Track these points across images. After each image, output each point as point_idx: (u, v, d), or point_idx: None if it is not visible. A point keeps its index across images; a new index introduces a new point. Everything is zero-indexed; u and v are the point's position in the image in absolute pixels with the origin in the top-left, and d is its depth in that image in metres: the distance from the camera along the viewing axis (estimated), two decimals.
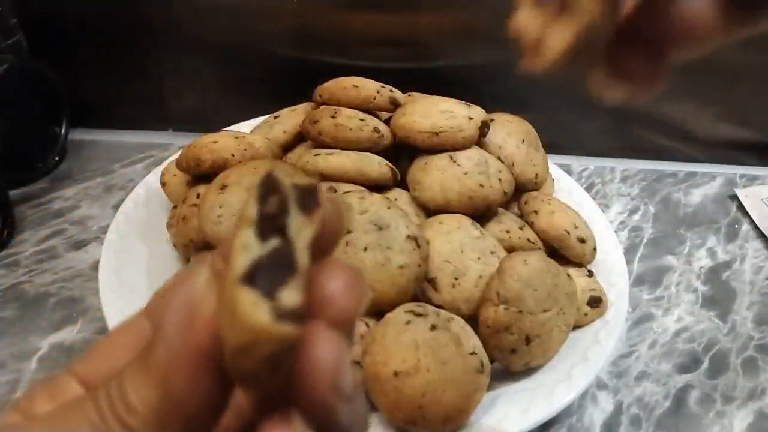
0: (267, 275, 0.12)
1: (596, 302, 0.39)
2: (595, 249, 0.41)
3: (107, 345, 0.16)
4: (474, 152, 0.41)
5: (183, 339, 0.13)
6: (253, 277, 0.12)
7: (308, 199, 0.13)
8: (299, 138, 0.45)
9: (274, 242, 0.12)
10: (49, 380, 0.15)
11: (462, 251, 0.37)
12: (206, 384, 0.13)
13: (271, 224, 0.12)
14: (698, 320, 0.44)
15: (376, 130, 0.41)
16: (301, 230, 0.13)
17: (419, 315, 0.33)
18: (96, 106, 0.60)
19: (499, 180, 0.40)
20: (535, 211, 0.41)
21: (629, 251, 0.50)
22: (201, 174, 0.40)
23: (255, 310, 0.11)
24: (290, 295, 0.12)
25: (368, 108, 0.43)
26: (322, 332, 0.12)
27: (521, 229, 0.40)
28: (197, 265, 0.14)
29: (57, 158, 0.54)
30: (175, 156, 0.44)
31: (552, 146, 0.49)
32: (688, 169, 0.59)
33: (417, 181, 0.40)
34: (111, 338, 0.16)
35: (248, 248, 0.12)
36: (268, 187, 0.13)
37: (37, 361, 0.39)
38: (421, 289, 0.36)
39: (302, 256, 0.12)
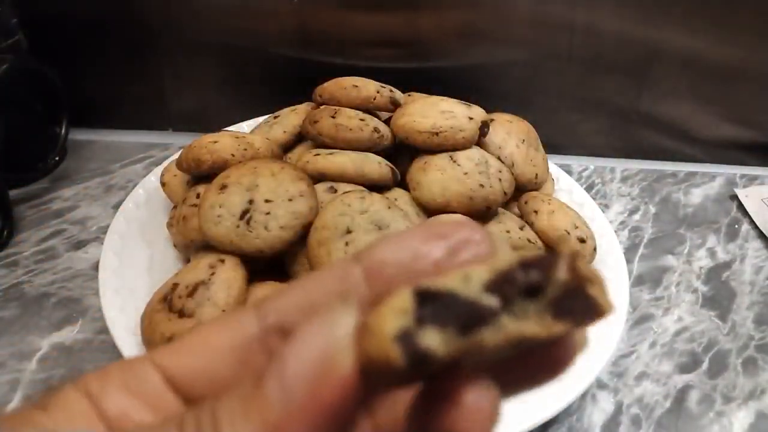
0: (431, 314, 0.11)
1: None
2: (595, 249, 0.41)
3: (201, 339, 0.14)
4: (474, 152, 0.41)
5: (308, 394, 0.11)
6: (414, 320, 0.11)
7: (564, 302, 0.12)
8: (299, 138, 0.45)
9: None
10: (128, 364, 0.14)
11: None
12: None
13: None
14: (698, 320, 0.44)
15: (376, 130, 0.41)
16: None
17: None
18: (96, 106, 0.60)
19: (499, 180, 0.40)
20: (535, 211, 0.41)
21: (629, 251, 0.50)
22: (201, 174, 0.40)
23: (389, 322, 0.11)
24: (435, 339, 0.11)
25: (368, 108, 0.43)
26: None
27: (521, 229, 0.40)
28: (343, 307, 0.12)
29: (57, 158, 0.54)
30: (175, 156, 0.44)
31: (552, 146, 0.49)
32: (688, 169, 0.59)
33: (417, 181, 0.40)
34: (206, 332, 0.14)
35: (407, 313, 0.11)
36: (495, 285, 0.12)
37: (37, 361, 0.39)
38: None
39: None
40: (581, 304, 0.12)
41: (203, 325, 0.14)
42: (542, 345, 0.12)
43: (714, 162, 0.60)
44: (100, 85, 0.59)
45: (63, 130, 0.54)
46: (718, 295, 0.46)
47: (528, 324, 0.11)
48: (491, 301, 0.11)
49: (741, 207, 0.54)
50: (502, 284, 0.11)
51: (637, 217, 0.54)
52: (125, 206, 0.44)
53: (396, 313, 0.11)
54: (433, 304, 0.11)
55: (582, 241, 0.40)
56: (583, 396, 0.39)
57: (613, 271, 0.41)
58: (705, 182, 0.58)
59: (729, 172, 0.59)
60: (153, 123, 0.60)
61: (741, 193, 0.55)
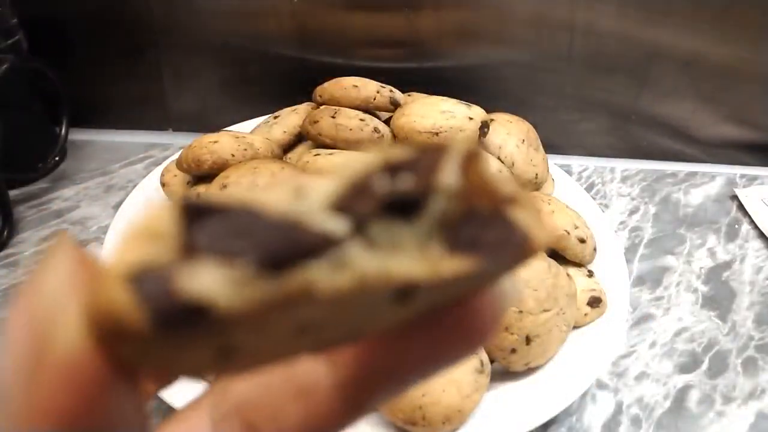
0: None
1: (596, 302, 0.39)
2: (595, 249, 0.41)
3: None
4: None
5: (28, 394, 0.07)
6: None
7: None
8: (299, 138, 0.45)
9: None
10: None
11: None
12: None
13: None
14: (698, 320, 0.44)
15: (376, 130, 0.41)
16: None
17: None
18: (96, 106, 0.60)
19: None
20: None
21: (629, 251, 0.50)
22: (201, 174, 0.40)
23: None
24: (211, 280, 0.07)
25: (368, 108, 0.43)
26: None
27: None
28: (54, 251, 0.08)
29: (57, 158, 0.54)
30: (175, 156, 0.44)
31: (552, 146, 0.49)
32: (688, 169, 0.59)
33: None
34: None
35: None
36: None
37: None
38: None
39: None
40: (495, 232, 0.08)
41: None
42: (447, 300, 0.09)
43: (714, 162, 0.60)
44: (100, 85, 0.59)
45: (63, 130, 0.54)
46: (718, 295, 0.46)
47: (399, 258, 0.07)
48: (333, 224, 0.07)
49: (741, 207, 0.54)
50: (354, 199, 0.07)
51: (637, 217, 0.53)
52: (125, 206, 0.44)
53: (143, 240, 0.07)
54: (218, 225, 0.07)
55: (582, 241, 0.40)
56: (583, 396, 0.39)
57: (613, 271, 0.41)
58: (705, 182, 0.58)
59: (729, 172, 0.59)
60: (153, 123, 0.60)
61: (741, 193, 0.55)
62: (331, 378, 0.11)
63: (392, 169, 0.07)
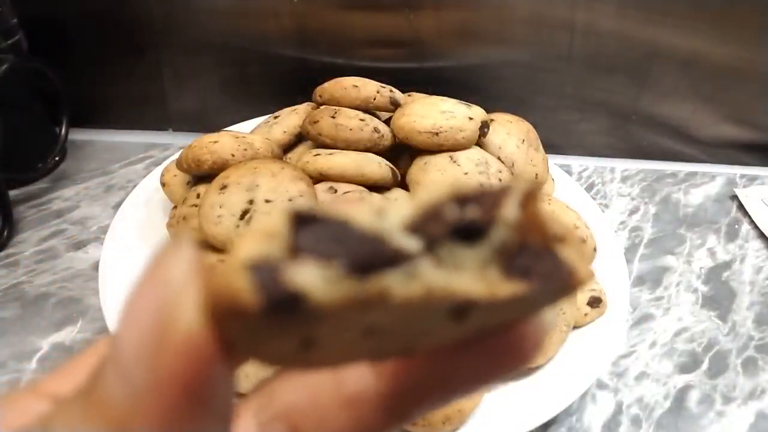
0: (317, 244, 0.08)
1: (596, 302, 0.39)
2: (595, 249, 0.41)
3: (87, 357, 0.12)
4: (474, 152, 0.41)
5: (150, 368, 0.08)
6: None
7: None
8: (299, 138, 0.45)
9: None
10: (10, 397, 0.12)
11: None
12: (195, 428, 0.09)
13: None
14: (698, 320, 0.44)
15: (376, 130, 0.41)
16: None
17: None
18: (96, 106, 0.60)
19: (500, 180, 0.40)
20: None
21: (629, 251, 0.50)
22: (201, 174, 0.40)
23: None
24: (312, 275, 0.08)
25: (368, 108, 0.43)
26: None
27: None
28: (174, 247, 0.09)
29: (57, 158, 0.54)
30: (175, 156, 0.44)
31: (552, 146, 0.49)
32: (688, 169, 0.59)
33: (417, 182, 0.40)
34: (93, 350, 0.13)
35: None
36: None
37: (37, 361, 0.39)
38: None
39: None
40: (545, 264, 0.09)
41: (87, 348, 0.12)
42: (496, 323, 0.10)
43: (714, 162, 0.60)
44: (100, 85, 0.59)
45: (63, 130, 0.54)
46: (718, 295, 0.46)
47: (461, 277, 0.08)
48: (408, 242, 0.08)
49: (741, 207, 0.54)
50: (427, 223, 0.08)
51: (637, 217, 0.54)
52: (125, 206, 0.44)
53: (260, 238, 0.08)
54: (318, 232, 0.08)
55: (582, 241, 0.40)
56: (583, 396, 0.39)
57: (613, 271, 0.41)
58: (705, 182, 0.58)
59: (729, 172, 0.59)
60: (153, 123, 0.60)
61: (741, 193, 0.55)
62: (378, 388, 0.11)
63: (462, 200, 0.09)
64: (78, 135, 0.57)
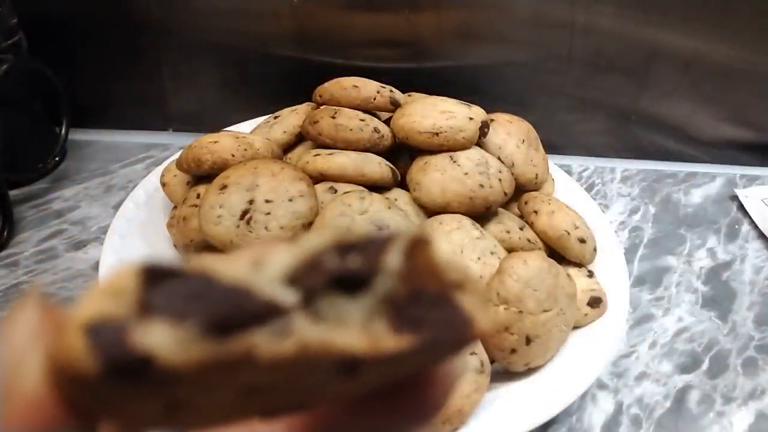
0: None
1: (596, 302, 0.39)
2: (595, 249, 0.41)
3: None
4: (474, 152, 0.41)
5: None
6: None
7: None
8: (299, 138, 0.45)
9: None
10: None
11: (462, 251, 0.37)
12: None
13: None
14: (698, 320, 0.44)
15: (376, 130, 0.41)
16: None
17: None
18: (96, 106, 0.60)
19: (500, 180, 0.40)
20: (535, 212, 0.41)
21: (629, 251, 0.50)
22: (201, 174, 0.40)
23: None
24: (162, 336, 0.07)
25: (368, 108, 0.43)
26: None
27: (521, 229, 0.40)
28: (23, 303, 0.09)
29: (57, 158, 0.54)
30: (175, 156, 0.44)
31: (552, 146, 0.49)
32: (688, 169, 0.59)
33: (417, 182, 0.40)
34: None
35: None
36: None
37: None
38: None
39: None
40: (439, 314, 0.08)
41: None
42: (396, 376, 0.09)
43: (714, 162, 0.60)
44: (100, 85, 0.59)
45: (63, 130, 0.54)
46: (718, 295, 0.46)
47: (342, 331, 0.08)
48: (284, 295, 0.08)
49: (741, 207, 0.54)
50: (306, 273, 0.08)
51: (637, 217, 0.54)
52: (125, 206, 0.44)
53: (104, 296, 0.07)
54: (173, 289, 0.07)
55: (582, 241, 0.40)
56: (583, 396, 0.39)
57: (613, 271, 0.41)
58: (705, 182, 0.58)
59: (729, 172, 0.59)
60: (153, 123, 0.60)
61: (741, 193, 0.55)
62: None
63: (345, 248, 0.08)
64: (78, 135, 0.57)
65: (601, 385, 0.40)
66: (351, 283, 0.08)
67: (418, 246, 0.08)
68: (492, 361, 0.34)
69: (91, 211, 0.50)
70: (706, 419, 0.38)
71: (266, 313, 0.07)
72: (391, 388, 0.10)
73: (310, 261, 0.08)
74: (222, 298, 0.07)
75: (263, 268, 0.08)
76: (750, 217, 0.53)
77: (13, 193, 0.50)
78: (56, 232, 0.48)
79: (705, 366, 0.41)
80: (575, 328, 0.38)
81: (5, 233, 0.47)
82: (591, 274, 0.41)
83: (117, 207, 0.45)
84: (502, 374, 0.35)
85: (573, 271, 0.40)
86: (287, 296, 0.08)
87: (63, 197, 0.52)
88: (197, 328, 0.07)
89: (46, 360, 0.08)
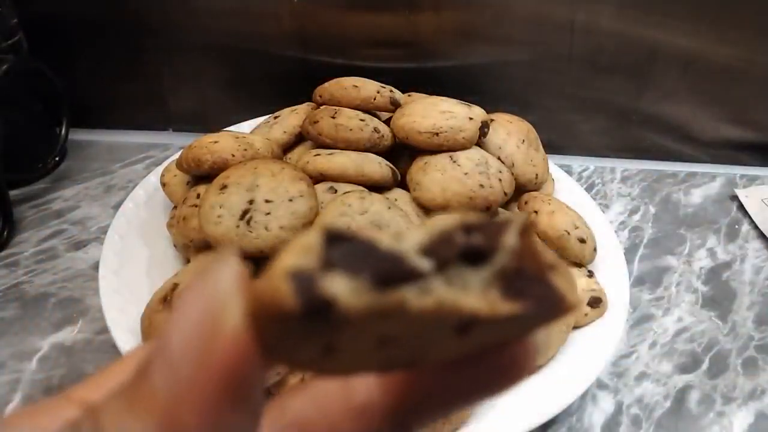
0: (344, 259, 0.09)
1: (596, 302, 0.39)
2: (595, 249, 0.41)
3: (117, 367, 0.13)
4: (474, 152, 0.41)
5: (197, 363, 0.09)
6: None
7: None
8: (299, 138, 0.45)
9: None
10: (43, 404, 0.12)
11: None
12: (233, 420, 0.09)
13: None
14: (698, 320, 0.44)
15: (376, 130, 0.41)
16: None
17: None
18: (96, 106, 0.60)
19: (500, 180, 0.40)
20: (535, 212, 0.41)
21: (629, 251, 0.50)
22: (201, 174, 0.40)
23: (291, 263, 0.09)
24: (342, 285, 0.09)
25: (368, 108, 0.43)
26: None
27: None
28: (221, 259, 0.10)
29: (57, 158, 0.54)
30: (175, 156, 0.44)
31: (552, 146, 0.49)
32: (688, 169, 0.59)
33: (417, 182, 0.40)
34: (123, 360, 0.13)
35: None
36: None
37: (37, 362, 0.39)
38: None
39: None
40: (539, 289, 0.10)
41: (124, 355, 0.13)
42: (494, 341, 0.11)
43: (714, 162, 0.60)
44: (100, 85, 0.59)
45: (63, 130, 0.54)
46: (718, 295, 0.46)
47: (467, 295, 0.10)
48: (422, 263, 0.09)
49: (741, 207, 0.54)
50: (438, 246, 0.10)
51: (637, 217, 0.53)
52: (125, 206, 0.44)
53: (298, 251, 0.09)
54: (347, 249, 0.09)
55: (582, 241, 0.40)
56: (583, 396, 0.39)
57: (613, 271, 0.41)
58: (705, 182, 0.58)
59: (729, 172, 0.59)
60: (153, 123, 0.60)
61: (741, 193, 0.55)
62: (384, 401, 0.12)
63: (469, 228, 0.10)
64: (78, 135, 0.57)
65: (601, 385, 0.40)
66: (475, 257, 0.10)
67: (526, 231, 0.10)
68: None
69: (91, 211, 0.50)
70: (706, 419, 0.38)
71: (413, 275, 0.09)
72: (483, 353, 0.11)
73: (442, 236, 0.10)
74: (384, 259, 0.09)
75: (404, 240, 0.10)
76: (750, 217, 0.53)
77: (13, 193, 0.50)
78: (56, 232, 0.48)
79: (705, 366, 0.41)
80: (575, 328, 0.38)
81: (5, 233, 0.47)
82: (591, 274, 0.41)
83: (117, 207, 0.45)
84: None
85: (573, 271, 0.40)
86: (426, 263, 0.09)
87: (63, 197, 0.52)
88: (367, 281, 0.09)
89: (249, 302, 0.09)
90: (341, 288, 0.09)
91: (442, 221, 0.10)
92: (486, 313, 0.09)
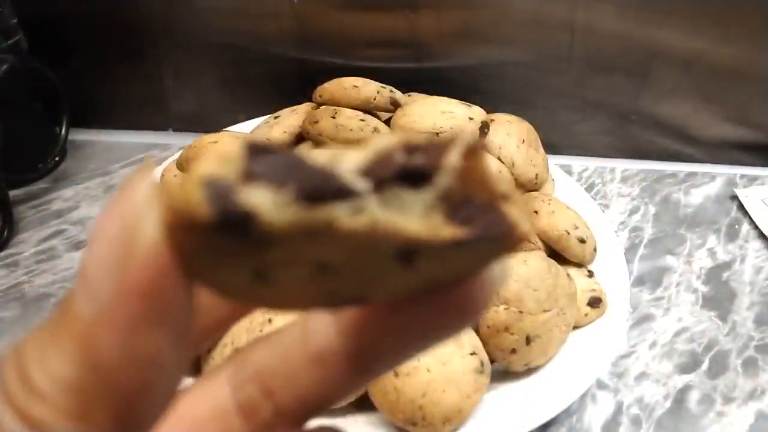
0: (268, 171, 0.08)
1: (596, 302, 0.39)
2: (595, 249, 0.41)
3: (179, 419, 0.13)
4: None
5: (115, 281, 0.09)
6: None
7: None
8: (299, 138, 0.45)
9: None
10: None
11: None
12: (153, 341, 0.09)
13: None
14: (698, 320, 0.44)
15: (376, 130, 0.41)
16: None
17: None
18: (96, 106, 0.60)
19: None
20: (535, 212, 0.41)
21: (629, 251, 0.50)
22: None
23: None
24: (263, 198, 0.08)
25: (368, 108, 0.43)
26: None
27: None
28: (137, 175, 0.09)
29: (57, 158, 0.54)
30: (175, 156, 0.44)
31: (552, 146, 0.49)
32: (688, 169, 0.59)
33: None
34: (182, 409, 0.13)
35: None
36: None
37: None
38: None
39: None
40: (488, 216, 0.09)
41: (179, 399, 0.12)
42: (444, 274, 0.10)
43: (714, 162, 0.60)
44: (100, 85, 0.59)
45: (63, 130, 0.54)
46: (718, 295, 0.46)
47: (405, 218, 0.09)
48: (356, 181, 0.09)
49: (741, 207, 0.54)
50: (375, 166, 0.09)
51: (637, 217, 0.53)
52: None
53: (216, 160, 0.08)
54: (272, 162, 0.08)
55: (582, 241, 0.40)
56: (583, 396, 0.39)
57: (613, 271, 0.41)
58: (705, 182, 0.58)
59: (729, 172, 0.59)
60: (153, 123, 0.60)
61: (741, 193, 0.55)
62: (342, 345, 0.12)
63: (411, 148, 0.09)
64: (78, 135, 0.57)
65: (601, 385, 0.40)
66: (414, 179, 0.09)
67: (474, 153, 0.09)
68: (492, 361, 0.34)
69: (91, 211, 0.50)
70: (706, 419, 0.38)
71: (346, 192, 0.09)
72: (436, 289, 0.11)
73: (381, 157, 0.09)
74: (312, 173, 0.09)
75: (340, 160, 0.09)
76: (750, 217, 0.53)
77: (13, 193, 0.50)
78: (56, 232, 0.48)
79: (705, 366, 0.41)
80: (575, 328, 0.38)
81: (5, 233, 0.47)
82: (591, 274, 0.41)
83: None
84: (502, 374, 0.35)
85: (573, 271, 0.40)
86: (361, 183, 0.09)
87: (63, 197, 0.52)
88: (292, 195, 0.08)
89: (164, 211, 0.09)
90: (262, 200, 0.08)
91: (383, 141, 0.09)
92: (427, 238, 0.09)
